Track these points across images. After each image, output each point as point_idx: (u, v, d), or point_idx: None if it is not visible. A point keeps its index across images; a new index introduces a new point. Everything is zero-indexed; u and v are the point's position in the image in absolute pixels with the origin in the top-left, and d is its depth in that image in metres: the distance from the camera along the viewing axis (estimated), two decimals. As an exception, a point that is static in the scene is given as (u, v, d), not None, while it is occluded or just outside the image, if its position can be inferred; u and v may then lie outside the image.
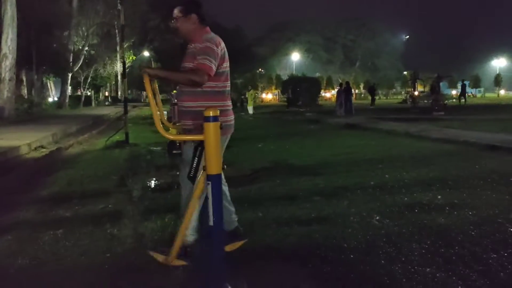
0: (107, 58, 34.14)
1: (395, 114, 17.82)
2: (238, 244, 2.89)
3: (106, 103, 41.47)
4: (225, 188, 2.87)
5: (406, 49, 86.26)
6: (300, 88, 31.34)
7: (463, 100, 27.04)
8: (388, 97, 53.37)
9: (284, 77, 50.01)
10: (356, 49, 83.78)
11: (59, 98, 32.36)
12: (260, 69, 61.98)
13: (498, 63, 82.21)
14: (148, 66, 2.73)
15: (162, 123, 2.70)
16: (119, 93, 46.46)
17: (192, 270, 2.68)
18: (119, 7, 9.64)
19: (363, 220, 3.71)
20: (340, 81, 33.76)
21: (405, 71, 65.02)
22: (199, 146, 2.39)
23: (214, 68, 2.59)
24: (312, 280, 2.61)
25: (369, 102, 29.49)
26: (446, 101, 24.03)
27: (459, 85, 49.44)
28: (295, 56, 67.30)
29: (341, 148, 8.20)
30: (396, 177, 5.41)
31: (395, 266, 2.75)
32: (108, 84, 43.67)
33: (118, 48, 37.81)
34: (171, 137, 2.61)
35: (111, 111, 25.22)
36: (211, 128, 1.93)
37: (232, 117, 2.83)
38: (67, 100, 29.43)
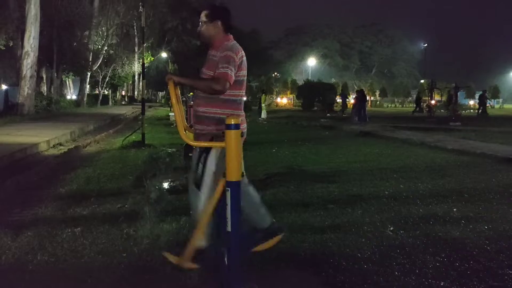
0: (125, 58, 34.53)
1: (410, 123, 17.67)
2: (277, 239, 2.93)
3: (123, 103, 41.99)
4: (250, 188, 2.86)
5: (424, 57, 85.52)
6: (316, 94, 31.28)
7: (481, 110, 26.39)
8: (404, 105, 52.82)
9: (300, 82, 49.97)
10: (373, 56, 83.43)
11: (77, 96, 32.87)
12: (275, 73, 62.02)
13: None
14: (175, 73, 2.77)
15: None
16: (136, 93, 46.99)
17: (205, 274, 2.72)
18: (141, 9, 9.77)
19: (377, 230, 3.71)
20: (357, 88, 33.60)
21: (422, 79, 64.36)
22: (204, 152, 2.47)
23: (233, 77, 2.64)
24: (325, 288, 2.63)
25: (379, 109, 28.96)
26: (463, 111, 23.70)
27: (477, 96, 48.89)
28: (311, 61, 67.20)
29: (356, 156, 8.17)
30: (411, 187, 5.38)
31: (409, 278, 2.75)
32: (125, 84, 44.15)
33: (136, 49, 38.38)
34: (195, 143, 2.65)
35: (127, 110, 25.51)
36: (232, 136, 1.97)
37: (245, 125, 2.86)
38: (85, 99, 29.88)
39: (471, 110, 35.42)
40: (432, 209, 4.37)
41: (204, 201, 2.56)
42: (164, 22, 44.33)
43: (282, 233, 3.01)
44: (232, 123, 1.97)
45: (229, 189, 1.98)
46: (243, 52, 2.78)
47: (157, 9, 36.42)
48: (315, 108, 31.22)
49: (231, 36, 2.84)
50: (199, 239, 2.55)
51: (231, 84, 2.63)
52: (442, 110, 25.57)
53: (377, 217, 4.07)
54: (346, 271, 2.87)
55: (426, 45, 61.16)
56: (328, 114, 25.63)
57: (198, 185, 2.59)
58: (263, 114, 22.49)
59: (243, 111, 2.87)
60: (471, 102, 45.32)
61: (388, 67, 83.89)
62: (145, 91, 58.08)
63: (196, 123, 2.81)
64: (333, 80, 56.40)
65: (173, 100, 2.32)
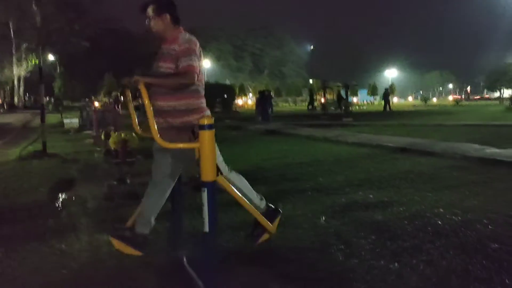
0: (5, 62, 31.19)
1: (308, 120, 18.75)
2: (277, 220, 3.12)
3: (1, 111, 37.71)
4: (239, 177, 3.00)
5: (311, 58, 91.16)
6: (214, 95, 31.45)
7: (388, 107, 28.57)
8: (297, 104, 55.76)
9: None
10: (264, 58, 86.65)
11: None
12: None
13: (390, 74, 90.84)
14: (140, 75, 2.59)
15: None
16: (16, 99, 42.59)
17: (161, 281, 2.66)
18: (34, 6, 8.94)
19: (310, 221, 3.93)
20: (251, 88, 34.49)
21: (310, 79, 68.46)
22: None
23: (198, 67, 2.63)
24: (280, 279, 2.73)
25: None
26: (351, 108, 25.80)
27: (359, 93, 53.43)
28: (206, 63, 67.53)
29: (269, 153, 8.48)
30: (327, 179, 5.77)
31: (353, 261, 2.98)
32: (2, 90, 39.77)
33: (14, 51, 34.86)
34: (170, 145, 2.56)
35: (14, 119, 23.06)
36: (206, 136, 1.96)
37: (208, 111, 2.88)
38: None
39: (357, 107, 38.72)
40: (352, 197, 4.75)
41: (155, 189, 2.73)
42: (50, 22, 40.92)
43: (280, 214, 3.19)
44: (206, 123, 1.97)
45: (205, 189, 1.97)
46: (198, 43, 2.78)
47: (41, 8, 33.48)
48: (217, 109, 31.40)
49: (182, 28, 2.82)
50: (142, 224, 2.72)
51: (198, 75, 2.62)
52: (332, 108, 27.52)
53: (307, 209, 4.30)
54: (294, 261, 3.02)
55: (312, 47, 65.19)
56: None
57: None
58: None
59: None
60: (355, 100, 49.50)
61: (278, 68, 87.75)
62: (27, 97, 52.95)
63: (159, 117, 2.71)
64: (227, 82, 57.33)
65: (146, 100, 2.22)
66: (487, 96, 70.10)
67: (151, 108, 2.24)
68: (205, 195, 1.97)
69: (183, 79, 2.59)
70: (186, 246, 3.09)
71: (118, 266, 2.89)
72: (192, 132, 2.60)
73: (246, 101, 54.20)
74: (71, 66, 42.60)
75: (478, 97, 71.69)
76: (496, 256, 2.98)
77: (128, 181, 4.94)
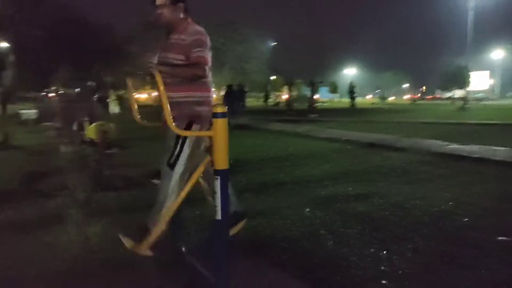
0: None
1: (276, 116, 18.93)
2: (240, 224, 3.05)
3: None
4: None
5: (273, 55, 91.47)
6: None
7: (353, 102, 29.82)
8: (258, 101, 55.94)
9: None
10: (226, 53, 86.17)
11: None
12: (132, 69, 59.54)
13: (349, 72, 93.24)
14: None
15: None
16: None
17: (164, 265, 2.65)
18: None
19: (296, 212, 4.02)
20: (213, 84, 34.10)
21: (272, 76, 68.84)
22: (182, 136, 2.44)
23: (209, 59, 2.62)
24: (277, 268, 2.79)
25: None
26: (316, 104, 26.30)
27: (320, 91, 54.27)
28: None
29: (244, 147, 8.51)
30: (305, 172, 5.88)
31: (344, 250, 3.09)
32: None
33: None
34: (187, 133, 2.53)
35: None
36: (220, 124, 1.98)
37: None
38: None
39: (321, 104, 39.39)
40: (332, 190, 4.88)
41: (176, 180, 2.56)
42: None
43: (245, 218, 3.10)
44: (219, 111, 1.98)
45: (218, 177, 1.99)
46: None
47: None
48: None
49: (191, 19, 2.79)
50: (163, 224, 2.50)
51: (209, 67, 2.61)
52: (295, 104, 27.92)
53: (290, 201, 4.38)
54: (287, 251, 3.08)
55: (275, 43, 65.45)
56: None
57: (172, 165, 2.55)
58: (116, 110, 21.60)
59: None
60: (316, 96, 50.38)
61: (240, 64, 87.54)
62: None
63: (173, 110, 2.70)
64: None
65: (161, 90, 2.19)
66: (438, 96, 73.23)
67: (165, 97, 2.20)
68: (218, 182, 1.98)
69: (197, 70, 2.58)
70: (184, 237, 3.09)
71: (111, 260, 2.85)
72: (188, 124, 2.60)
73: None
74: (24, 55, 40.61)
75: (431, 96, 74.73)
76: (477, 244, 3.17)
77: (107, 172, 4.84)
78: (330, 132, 10.71)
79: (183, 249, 2.82)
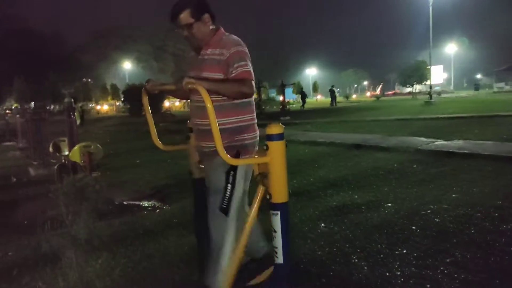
0: None
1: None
2: (268, 272, 2.41)
3: None
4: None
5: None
6: (139, 99, 30.20)
7: (334, 102, 30.97)
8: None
9: (121, 87, 47.68)
10: (186, 59, 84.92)
11: None
12: (88, 79, 57.87)
13: (311, 72, 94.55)
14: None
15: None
16: None
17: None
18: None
19: (313, 229, 3.71)
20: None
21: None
22: (232, 170, 2.03)
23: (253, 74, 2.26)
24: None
25: None
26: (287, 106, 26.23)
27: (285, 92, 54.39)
28: (127, 65, 64.93)
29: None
30: (302, 181, 5.61)
31: (381, 270, 2.82)
32: None
33: None
34: (240, 161, 2.10)
35: None
36: (277, 148, 1.64)
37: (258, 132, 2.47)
38: None
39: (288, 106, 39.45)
40: (339, 199, 4.62)
41: (232, 227, 2.12)
42: None
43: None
44: (274, 133, 1.64)
45: (278, 212, 1.64)
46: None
47: None
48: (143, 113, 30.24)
49: (221, 27, 2.40)
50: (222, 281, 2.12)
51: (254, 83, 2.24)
52: (267, 107, 27.76)
53: (301, 216, 4.09)
54: (320, 277, 2.78)
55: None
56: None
57: (226, 210, 2.10)
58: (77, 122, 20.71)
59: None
60: (280, 98, 50.56)
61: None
62: None
63: (201, 139, 2.31)
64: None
65: (209, 108, 1.78)
66: (398, 91, 75.22)
67: (215, 118, 1.80)
68: (277, 219, 1.64)
69: (243, 87, 2.16)
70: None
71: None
72: (236, 155, 2.18)
73: (174, 103, 52.89)
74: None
75: (392, 92, 76.71)
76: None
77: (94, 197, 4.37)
78: (309, 135, 10.52)
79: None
